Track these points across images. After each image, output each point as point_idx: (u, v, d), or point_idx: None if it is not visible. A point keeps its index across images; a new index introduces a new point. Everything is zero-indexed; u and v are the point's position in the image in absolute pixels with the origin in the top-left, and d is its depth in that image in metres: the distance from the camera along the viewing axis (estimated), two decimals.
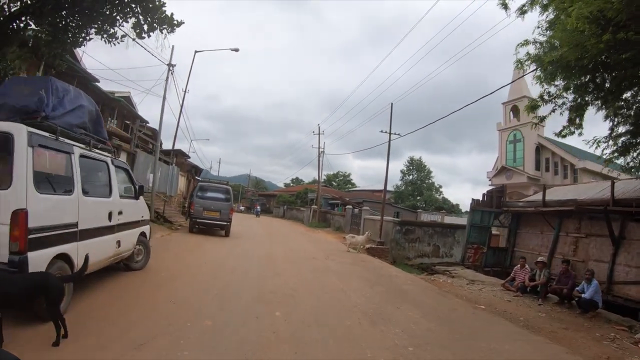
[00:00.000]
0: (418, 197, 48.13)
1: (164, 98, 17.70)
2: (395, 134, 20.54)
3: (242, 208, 59.62)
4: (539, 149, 30.31)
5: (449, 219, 29.89)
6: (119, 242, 6.49)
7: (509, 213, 17.02)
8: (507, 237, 17.16)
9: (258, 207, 46.10)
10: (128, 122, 29.76)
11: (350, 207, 27.46)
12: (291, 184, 75.16)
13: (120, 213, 6.52)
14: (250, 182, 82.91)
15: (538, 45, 9.57)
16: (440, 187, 51.84)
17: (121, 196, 6.70)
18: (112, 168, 6.39)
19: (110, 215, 6.16)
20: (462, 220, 30.46)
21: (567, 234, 15.20)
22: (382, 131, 20.68)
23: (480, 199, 16.68)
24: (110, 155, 6.52)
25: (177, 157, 36.74)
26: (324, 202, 39.92)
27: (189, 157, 41.77)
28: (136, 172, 20.27)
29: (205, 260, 9.92)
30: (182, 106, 31.24)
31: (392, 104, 20.84)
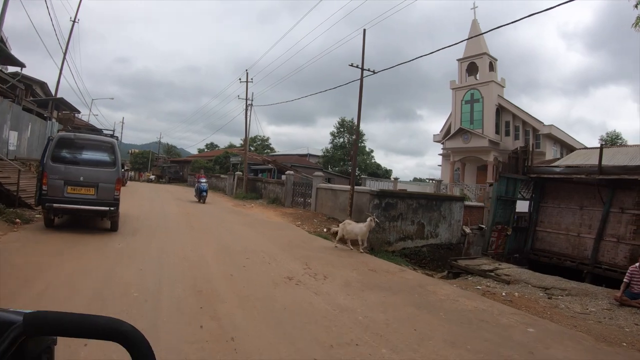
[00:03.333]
0: (348, 162, 42.86)
1: None
2: (367, 69, 14.18)
3: (152, 177, 48.94)
4: (499, 110, 26.48)
5: (402, 186, 24.84)
6: None
7: (530, 182, 12.04)
8: (529, 212, 12.22)
9: (203, 179, 19.78)
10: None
11: (292, 173, 20.80)
12: (206, 150, 65.25)
13: None
14: (162, 148, 70.65)
15: None
16: (372, 151, 46.97)
17: None
18: None
19: None
20: (408, 186, 25.92)
21: (623, 211, 10.55)
22: (351, 65, 14.16)
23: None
24: None
25: (60, 110, 26.09)
26: (248, 169, 32.72)
27: (79, 112, 30.83)
28: None
29: None
30: (69, 38, 21.40)
31: (364, 30, 14.36)
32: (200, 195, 18.70)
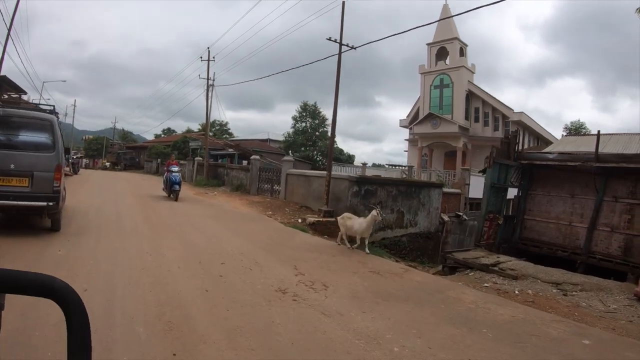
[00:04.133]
0: (310, 147, 41.22)
1: None
2: (346, 44, 12.90)
3: (107, 164, 45.17)
4: (469, 96, 26.15)
5: (371, 172, 23.84)
6: None
7: (518, 169, 11.41)
8: (517, 200, 11.63)
9: (175, 168, 14.08)
10: None
11: (257, 157, 19.18)
12: (163, 135, 61.09)
13: None
14: (117, 134, 64.87)
15: None
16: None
17: None
18: None
19: None
20: (375, 172, 25.06)
21: (616, 200, 10.10)
22: (329, 39, 12.79)
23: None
24: None
25: (4, 90, 22.51)
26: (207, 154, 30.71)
27: (25, 93, 27.01)
28: None
29: None
30: (15, 10, 18.07)
31: (343, 2, 13.00)
32: (172, 190, 13.55)
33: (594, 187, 10.28)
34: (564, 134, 29.61)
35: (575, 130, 30.14)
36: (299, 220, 11.56)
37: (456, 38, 25.91)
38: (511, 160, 10.72)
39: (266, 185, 17.40)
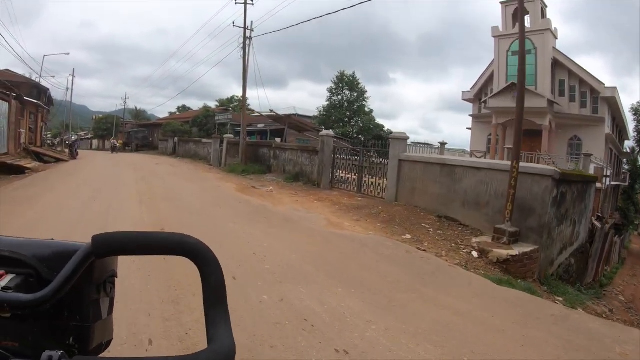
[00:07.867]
0: (346, 123, 35.84)
1: None
2: None
3: (116, 144, 35.04)
4: (554, 66, 21.45)
5: (450, 155, 18.10)
6: None
7: None
8: None
9: None
10: None
11: (331, 134, 14.13)
12: (177, 113, 54.69)
13: None
14: (129, 113, 57.75)
15: None
16: (372, 111, 38.21)
17: None
18: None
19: None
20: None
21: None
22: None
23: None
24: None
25: None
26: (232, 132, 25.72)
27: None
28: None
29: None
30: None
31: None
32: None
33: None
34: (632, 115, 25.45)
35: None
36: (474, 254, 6.70)
37: None
38: None
39: (348, 176, 12.61)
